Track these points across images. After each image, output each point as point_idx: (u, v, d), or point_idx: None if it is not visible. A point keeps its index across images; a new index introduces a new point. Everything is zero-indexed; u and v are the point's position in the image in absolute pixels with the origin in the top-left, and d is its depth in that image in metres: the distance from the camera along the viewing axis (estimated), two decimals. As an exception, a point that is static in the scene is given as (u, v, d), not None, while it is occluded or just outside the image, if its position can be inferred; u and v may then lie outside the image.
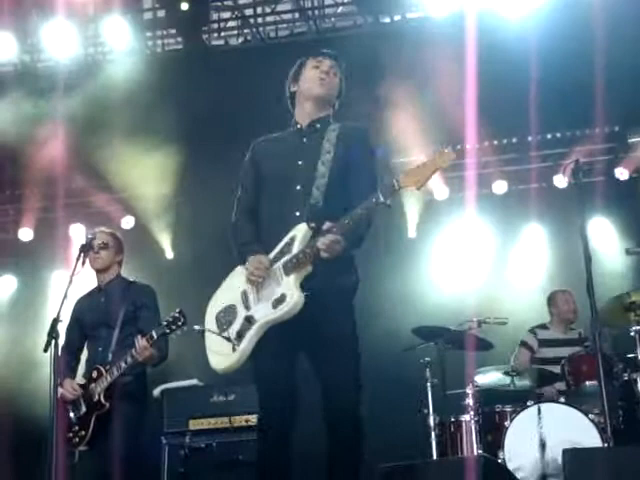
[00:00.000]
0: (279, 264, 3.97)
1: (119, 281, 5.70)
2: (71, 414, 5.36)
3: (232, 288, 4.13)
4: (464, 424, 6.47)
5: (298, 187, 4.07)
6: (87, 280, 5.51)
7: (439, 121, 8.17)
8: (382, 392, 7.81)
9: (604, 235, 8.89)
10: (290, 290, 3.89)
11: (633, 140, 8.83)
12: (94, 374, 5.33)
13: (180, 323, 5.15)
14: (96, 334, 5.51)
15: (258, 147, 4.32)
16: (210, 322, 4.15)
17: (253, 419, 5.51)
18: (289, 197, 4.07)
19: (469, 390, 6.49)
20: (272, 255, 4.01)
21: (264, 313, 3.95)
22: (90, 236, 5.42)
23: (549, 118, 8.30)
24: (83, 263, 5.28)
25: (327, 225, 3.86)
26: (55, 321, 5.03)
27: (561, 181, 8.82)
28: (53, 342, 4.78)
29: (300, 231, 3.97)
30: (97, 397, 5.26)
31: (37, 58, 8.72)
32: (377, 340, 8.05)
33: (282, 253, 3.99)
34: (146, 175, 8.91)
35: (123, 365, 5.22)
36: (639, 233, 8.44)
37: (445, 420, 6.50)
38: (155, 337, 5.10)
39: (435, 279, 9.00)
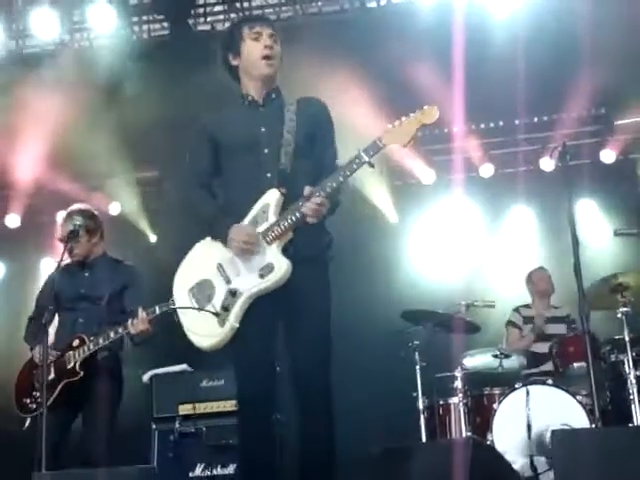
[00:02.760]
0: (258, 233, 3.91)
1: (106, 259, 5.71)
2: (35, 381, 5.35)
3: (202, 263, 4.04)
4: (453, 407, 6.52)
5: (266, 150, 4.02)
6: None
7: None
8: (371, 376, 7.88)
9: (591, 217, 8.93)
10: (277, 259, 3.84)
11: (619, 122, 8.85)
12: (75, 342, 5.30)
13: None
14: (74, 306, 5.49)
15: (210, 119, 4.24)
16: (182, 300, 4.04)
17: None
18: (257, 161, 4.01)
19: (457, 373, 6.52)
20: (245, 223, 3.96)
21: (251, 284, 3.87)
22: (73, 226, 5.42)
23: (535, 101, 8.31)
24: (71, 251, 5.31)
25: (308, 190, 3.83)
26: (44, 309, 5.07)
27: (548, 164, 8.84)
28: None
29: (272, 198, 3.93)
30: (72, 364, 5.24)
31: (22, 44, 8.66)
32: (365, 324, 8.11)
33: (256, 222, 3.94)
34: (131, 161, 8.90)
35: (112, 335, 5.21)
36: (626, 214, 8.46)
37: (434, 403, 6.54)
38: (157, 313, 5.09)
39: (422, 263, 9.02)
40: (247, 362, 3.94)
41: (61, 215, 5.65)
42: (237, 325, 3.85)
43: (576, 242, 4.92)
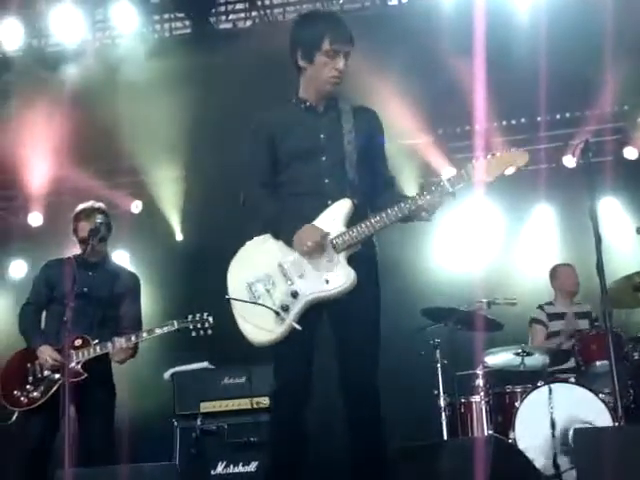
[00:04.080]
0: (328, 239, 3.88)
1: (110, 262, 5.75)
2: (30, 375, 5.35)
3: (262, 259, 3.96)
4: (474, 405, 6.50)
5: (324, 158, 4.02)
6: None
7: (448, 103, 8.16)
8: (392, 374, 7.83)
9: (613, 215, 8.87)
10: (345, 268, 3.84)
11: (643, 119, 8.80)
12: (77, 342, 5.31)
13: (207, 326, 5.28)
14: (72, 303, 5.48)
15: (267, 119, 4.22)
16: (240, 292, 3.94)
17: (264, 401, 5.54)
18: (315, 168, 4.01)
19: (479, 371, 6.52)
20: None
21: (314, 289, 3.84)
22: (76, 222, 5.42)
23: (558, 98, 8.26)
24: (93, 248, 5.33)
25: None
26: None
27: (570, 161, 8.80)
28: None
29: (344, 207, 3.92)
30: (74, 364, 5.23)
31: (45, 43, 8.71)
32: (386, 322, 8.07)
33: (326, 227, 3.91)
34: (156, 158, 8.93)
35: (98, 350, 5.31)
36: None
37: (455, 401, 6.52)
38: (176, 327, 5.26)
39: (445, 260, 9.00)
40: (288, 357, 3.91)
41: (83, 212, 5.62)
42: (297, 327, 3.80)
43: (598, 240, 4.90)
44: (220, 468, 5.52)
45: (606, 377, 5.79)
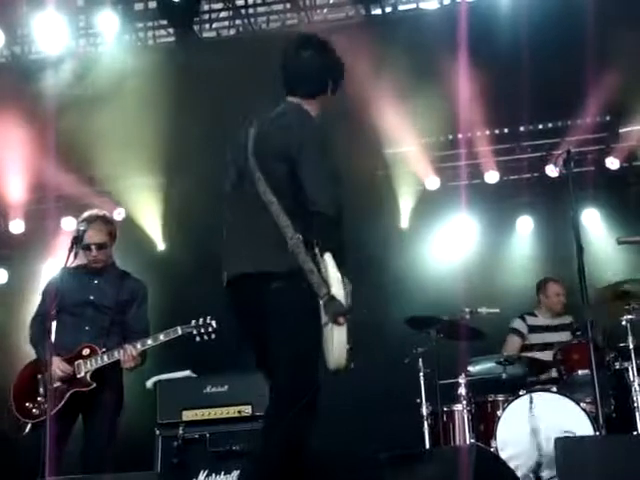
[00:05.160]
0: None
1: (115, 269, 5.71)
2: (40, 386, 5.35)
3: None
4: (457, 413, 6.50)
5: None
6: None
7: (432, 112, 8.19)
8: (375, 382, 7.88)
9: (595, 225, 8.93)
10: None
11: (624, 130, 8.85)
12: (85, 351, 5.32)
13: (210, 330, 5.31)
14: (80, 312, 5.48)
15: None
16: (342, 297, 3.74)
17: (247, 410, 5.53)
18: None
19: (462, 380, 6.52)
20: None
21: None
22: (82, 227, 5.38)
23: (540, 108, 8.33)
24: (75, 255, 5.29)
25: None
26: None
27: (553, 171, 8.84)
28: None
29: None
30: (82, 374, 5.26)
31: (27, 50, 8.68)
32: (370, 330, 8.10)
33: None
34: (137, 166, 8.91)
35: (116, 355, 5.30)
36: (629, 222, 8.46)
37: (438, 409, 6.52)
38: (180, 333, 5.29)
39: (427, 269, 9.01)
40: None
41: (89, 220, 5.54)
42: None
43: (580, 249, 4.93)
44: (202, 477, 5.49)
45: (588, 386, 5.81)
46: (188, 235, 8.94)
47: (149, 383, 6.27)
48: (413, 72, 7.72)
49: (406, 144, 8.97)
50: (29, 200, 9.32)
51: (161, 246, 9.50)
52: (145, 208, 9.35)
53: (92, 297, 5.50)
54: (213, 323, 5.42)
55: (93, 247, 5.48)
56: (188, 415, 5.82)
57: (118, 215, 9.28)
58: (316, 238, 3.77)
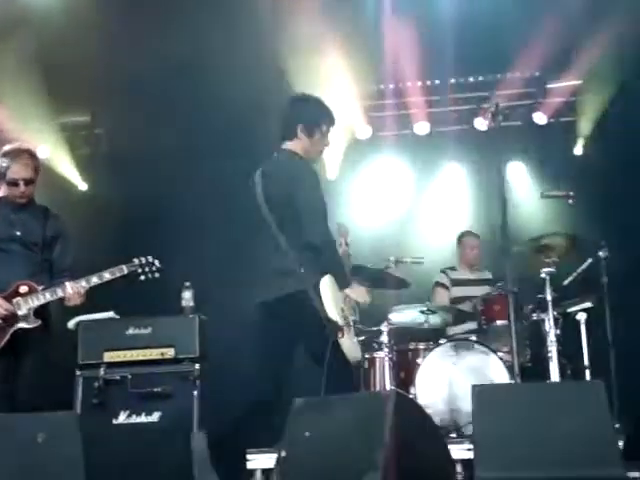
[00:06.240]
0: None
1: (36, 205, 5.57)
2: None
3: (336, 291, 4.75)
4: (378, 361, 6.59)
5: None
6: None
7: (363, 61, 8.17)
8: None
9: (521, 179, 9.06)
10: None
11: (552, 86, 8.95)
12: (22, 289, 5.22)
13: (154, 269, 5.38)
14: (7, 248, 5.34)
15: None
16: (335, 314, 4.65)
17: (169, 352, 5.51)
18: None
19: (384, 328, 6.60)
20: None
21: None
22: (6, 162, 5.26)
23: (471, 62, 8.37)
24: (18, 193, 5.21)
25: None
26: None
27: (482, 124, 8.92)
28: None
29: None
30: (25, 311, 5.19)
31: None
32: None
33: None
34: (64, 105, 8.72)
35: (48, 297, 5.25)
36: (555, 177, 8.60)
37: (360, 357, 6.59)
38: (125, 272, 5.31)
39: (354, 218, 9.04)
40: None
41: (14, 154, 5.38)
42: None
43: (504, 202, 5.00)
44: (122, 417, 5.46)
45: (505, 336, 5.95)
46: (112, 175, 8.81)
47: (71, 324, 6.18)
48: (343, 23, 7.69)
49: (337, 92, 8.93)
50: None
51: (82, 186, 9.34)
52: (68, 147, 9.16)
53: (19, 233, 5.36)
54: (157, 262, 5.42)
55: (21, 182, 5.33)
56: (110, 356, 5.76)
57: (41, 153, 9.08)
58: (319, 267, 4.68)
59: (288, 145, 4.96)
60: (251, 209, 4.91)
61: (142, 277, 5.40)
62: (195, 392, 5.36)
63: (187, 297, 5.64)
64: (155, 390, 5.44)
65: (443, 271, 7.78)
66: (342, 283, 4.80)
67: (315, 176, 4.80)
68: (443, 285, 7.69)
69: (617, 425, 5.61)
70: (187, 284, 5.68)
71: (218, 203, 8.20)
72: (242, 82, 7.63)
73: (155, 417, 5.43)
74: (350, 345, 4.72)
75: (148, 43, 7.41)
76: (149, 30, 7.46)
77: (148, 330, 5.70)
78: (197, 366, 5.43)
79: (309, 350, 4.85)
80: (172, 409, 5.37)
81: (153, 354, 5.63)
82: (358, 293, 4.93)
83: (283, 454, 4.02)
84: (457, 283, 7.67)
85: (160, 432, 5.32)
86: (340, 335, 4.60)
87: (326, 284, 4.66)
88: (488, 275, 7.74)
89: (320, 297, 4.62)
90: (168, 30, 7.40)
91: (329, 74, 8.36)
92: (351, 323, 4.81)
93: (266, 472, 4.86)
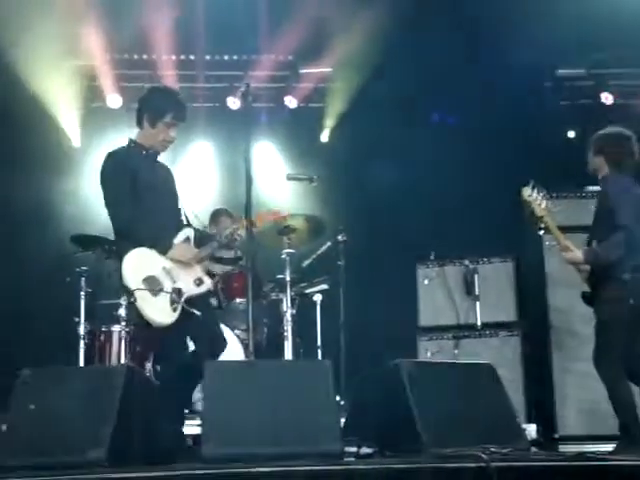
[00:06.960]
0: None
1: None
2: None
3: (147, 263, 4.85)
4: (115, 334, 6.48)
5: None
6: None
7: (128, 31, 8.04)
8: (32, 302, 7.76)
9: (269, 159, 9.20)
10: (204, 275, 5.12)
11: (304, 71, 9.15)
12: None
13: None
14: None
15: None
16: (138, 286, 4.74)
17: None
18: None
19: (123, 301, 6.49)
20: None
21: (188, 288, 4.93)
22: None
23: (227, 41, 8.41)
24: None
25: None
26: None
27: (233, 103, 8.98)
28: None
29: (191, 233, 5.14)
30: None
31: None
32: (35, 246, 7.94)
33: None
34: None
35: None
36: (302, 161, 8.82)
37: (96, 329, 6.48)
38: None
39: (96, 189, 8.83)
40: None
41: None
42: (196, 312, 4.93)
43: (249, 181, 5.06)
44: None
45: (244, 314, 6.03)
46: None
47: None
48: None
49: (93, 58, 8.69)
50: None
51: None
52: None
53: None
54: None
55: None
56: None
57: None
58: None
59: (135, 134, 5.19)
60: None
61: None
62: None
63: None
64: None
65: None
66: (161, 249, 4.95)
67: (107, 166, 5.16)
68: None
69: (342, 402, 5.86)
70: None
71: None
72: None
73: None
74: (152, 310, 4.75)
75: None
76: None
77: None
78: None
79: None
80: None
81: None
82: (180, 253, 4.99)
83: (4, 428, 3.87)
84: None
85: None
86: (132, 299, 4.72)
87: (130, 255, 4.83)
88: (234, 253, 7.78)
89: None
90: None
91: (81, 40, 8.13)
92: (166, 289, 4.82)
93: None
